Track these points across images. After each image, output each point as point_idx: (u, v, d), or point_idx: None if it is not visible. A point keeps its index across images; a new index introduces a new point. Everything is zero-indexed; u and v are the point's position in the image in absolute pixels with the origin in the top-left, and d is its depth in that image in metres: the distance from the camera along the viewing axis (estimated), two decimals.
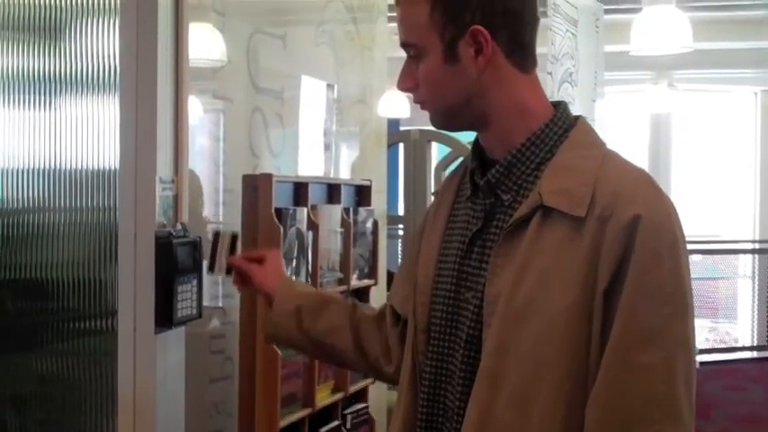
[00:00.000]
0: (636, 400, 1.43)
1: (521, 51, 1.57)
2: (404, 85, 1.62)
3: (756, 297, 6.08)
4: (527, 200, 1.52)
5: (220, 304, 2.97)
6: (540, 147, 1.56)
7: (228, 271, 2.05)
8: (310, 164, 3.62)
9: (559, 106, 1.61)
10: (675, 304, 1.45)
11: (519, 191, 1.56)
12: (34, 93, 2.57)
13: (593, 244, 1.45)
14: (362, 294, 3.39)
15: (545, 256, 1.48)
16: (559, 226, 1.48)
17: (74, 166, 2.51)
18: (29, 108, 2.57)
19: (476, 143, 1.65)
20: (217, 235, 2.07)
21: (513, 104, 1.57)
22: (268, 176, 2.72)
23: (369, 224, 3.35)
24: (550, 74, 4.32)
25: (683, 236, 1.50)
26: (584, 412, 1.46)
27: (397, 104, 6.30)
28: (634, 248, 1.43)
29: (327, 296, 2.07)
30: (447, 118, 1.63)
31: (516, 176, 1.56)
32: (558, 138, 1.56)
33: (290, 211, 2.78)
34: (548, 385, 1.47)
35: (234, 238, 2.06)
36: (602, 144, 1.59)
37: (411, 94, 1.63)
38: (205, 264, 2.12)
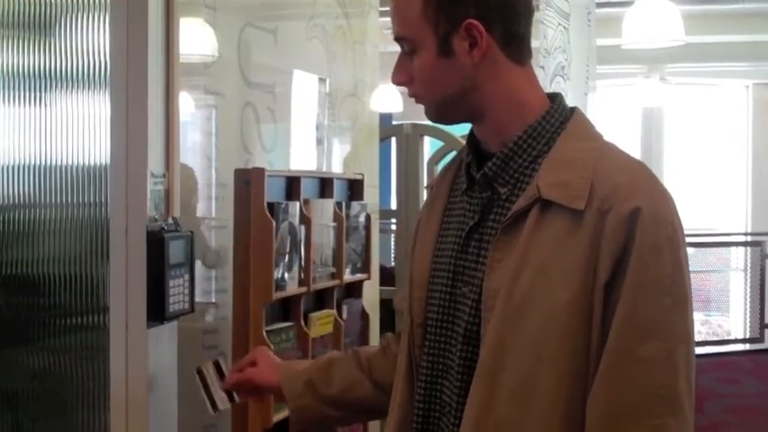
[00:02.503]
0: (637, 392, 1.43)
1: (516, 44, 1.56)
2: (398, 79, 1.61)
3: (749, 289, 6.08)
4: (525, 193, 1.52)
5: (213, 299, 2.96)
6: (537, 139, 1.55)
7: (231, 397, 1.98)
8: (302, 158, 3.61)
9: (556, 98, 1.60)
10: (676, 296, 1.45)
11: (516, 184, 1.55)
12: (24, 89, 2.56)
13: (593, 237, 1.45)
14: (355, 289, 3.39)
15: (544, 250, 1.47)
16: (558, 219, 1.47)
17: (65, 162, 2.51)
18: (19, 104, 2.57)
19: (471, 136, 1.64)
20: (200, 372, 1.99)
21: (508, 97, 1.56)
22: (260, 171, 2.72)
23: (361, 218, 3.35)
24: (543, 67, 4.32)
25: (682, 228, 1.50)
26: (584, 406, 1.45)
27: (389, 99, 6.30)
28: (634, 242, 1.43)
29: (328, 357, 2.01)
30: (442, 111, 1.62)
31: (513, 169, 1.55)
32: (554, 130, 1.56)
33: (283, 206, 2.78)
34: (548, 379, 1.46)
35: (217, 365, 1.99)
36: (599, 136, 1.58)
37: (405, 88, 1.62)
38: (208, 404, 2.02)
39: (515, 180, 1.55)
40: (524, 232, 1.49)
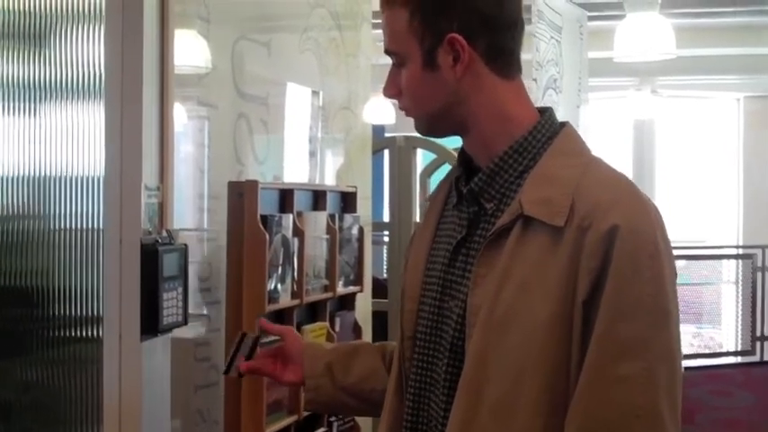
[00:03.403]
0: (614, 412, 1.42)
1: (502, 58, 1.56)
2: (388, 92, 1.62)
3: (740, 302, 6.09)
4: (509, 209, 1.51)
5: (205, 312, 2.96)
6: (523, 155, 1.55)
7: (240, 373, 1.93)
8: (295, 170, 3.61)
9: (545, 113, 1.60)
10: (656, 315, 1.43)
11: (502, 199, 1.55)
12: (19, 100, 2.57)
13: (572, 255, 1.44)
14: (348, 301, 3.39)
15: (525, 266, 1.47)
16: (540, 235, 1.47)
17: (59, 173, 2.51)
18: (13, 115, 2.57)
19: (462, 150, 1.65)
20: (243, 336, 1.96)
21: (493, 111, 1.56)
22: (253, 183, 2.73)
23: (354, 231, 3.36)
24: (535, 80, 4.34)
25: (668, 244, 1.48)
26: (564, 420, 1.45)
27: (382, 111, 6.31)
28: (612, 259, 1.42)
29: (354, 345, 2.01)
30: (430, 124, 1.62)
31: (499, 185, 1.55)
32: (541, 145, 1.55)
33: (276, 218, 2.78)
34: (528, 395, 1.46)
35: (256, 340, 1.94)
36: (586, 151, 1.57)
37: (396, 101, 1.63)
38: (225, 364, 1.97)
39: (501, 195, 1.55)
40: (507, 248, 1.49)
